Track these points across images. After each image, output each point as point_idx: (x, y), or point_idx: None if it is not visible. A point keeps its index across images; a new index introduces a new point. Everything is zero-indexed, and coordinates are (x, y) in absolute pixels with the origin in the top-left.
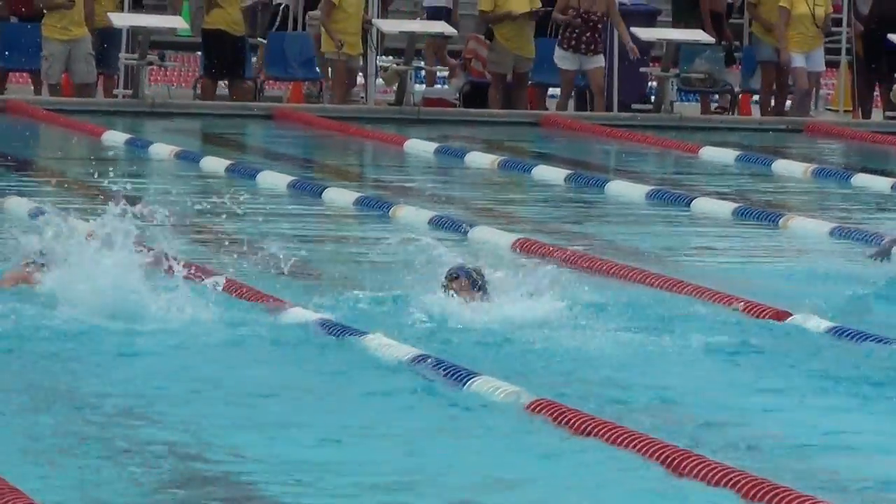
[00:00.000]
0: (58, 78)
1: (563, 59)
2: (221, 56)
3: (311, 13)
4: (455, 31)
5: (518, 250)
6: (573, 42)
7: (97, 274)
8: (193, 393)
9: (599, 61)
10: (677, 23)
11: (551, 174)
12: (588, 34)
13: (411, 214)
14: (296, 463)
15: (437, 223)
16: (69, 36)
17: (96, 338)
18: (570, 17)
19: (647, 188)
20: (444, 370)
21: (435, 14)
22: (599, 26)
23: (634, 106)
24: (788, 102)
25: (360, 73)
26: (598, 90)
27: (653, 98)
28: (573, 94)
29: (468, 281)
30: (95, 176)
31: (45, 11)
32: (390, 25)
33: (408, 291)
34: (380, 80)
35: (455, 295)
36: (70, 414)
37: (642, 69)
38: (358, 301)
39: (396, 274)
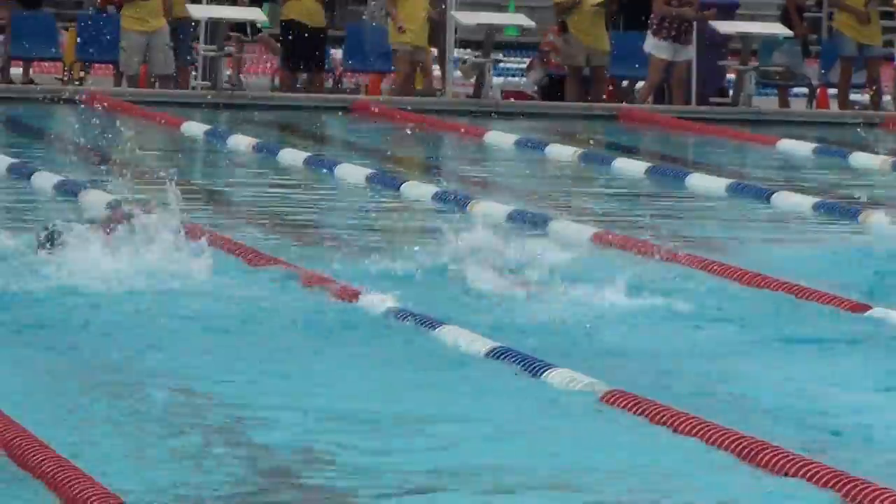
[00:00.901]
0: (136, 69)
1: (658, 48)
2: (298, 47)
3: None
4: (533, 23)
5: (597, 243)
6: (672, 32)
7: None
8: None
9: (690, 53)
10: None
11: (631, 167)
12: (685, 23)
13: (490, 209)
14: (374, 453)
15: (516, 217)
16: (147, 27)
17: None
18: (675, 9)
19: (727, 181)
20: (522, 361)
21: None
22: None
23: (712, 99)
24: (887, 97)
25: (437, 66)
26: (681, 83)
27: (731, 91)
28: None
29: None
30: (175, 168)
31: (123, 2)
32: (468, 17)
33: (484, 284)
34: (458, 73)
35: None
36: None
37: (721, 62)
38: (434, 292)
39: (472, 266)
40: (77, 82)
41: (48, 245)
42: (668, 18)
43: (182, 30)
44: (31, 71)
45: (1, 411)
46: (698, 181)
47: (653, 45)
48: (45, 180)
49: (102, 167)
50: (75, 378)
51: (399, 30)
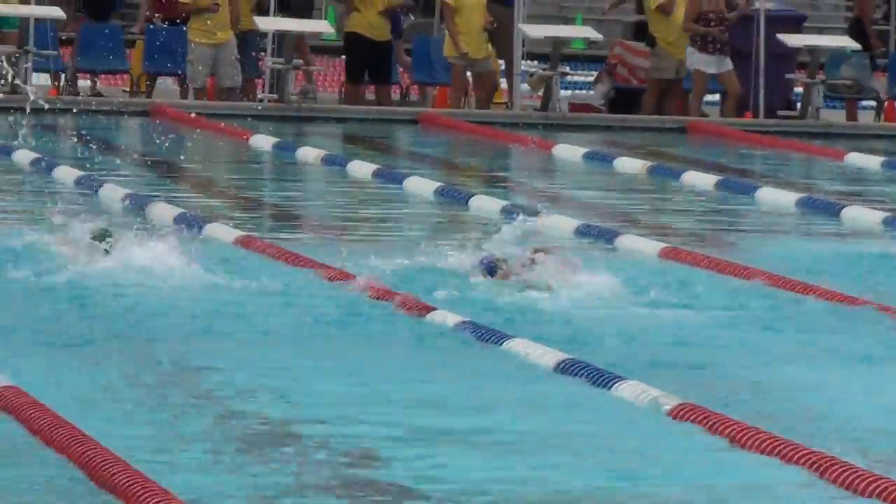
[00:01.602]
0: (203, 82)
1: (705, 62)
2: (362, 60)
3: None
4: (600, 35)
5: (665, 258)
6: (718, 45)
7: None
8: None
9: (730, 63)
10: None
11: (700, 180)
12: (725, 35)
13: (558, 222)
14: (446, 468)
15: (583, 232)
16: (215, 40)
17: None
18: (717, 31)
19: (797, 195)
20: (591, 374)
21: None
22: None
23: (780, 112)
24: None
25: (504, 79)
26: (736, 91)
27: (798, 104)
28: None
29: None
30: (245, 180)
31: (189, 15)
32: (536, 30)
33: (552, 298)
34: (525, 86)
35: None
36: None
37: (788, 76)
38: (502, 305)
39: (540, 280)
40: (144, 94)
41: (100, 243)
42: (709, 33)
43: (249, 42)
44: (97, 83)
45: (79, 429)
46: (767, 195)
47: (701, 60)
48: (112, 193)
49: (170, 180)
50: (149, 387)
51: (462, 56)
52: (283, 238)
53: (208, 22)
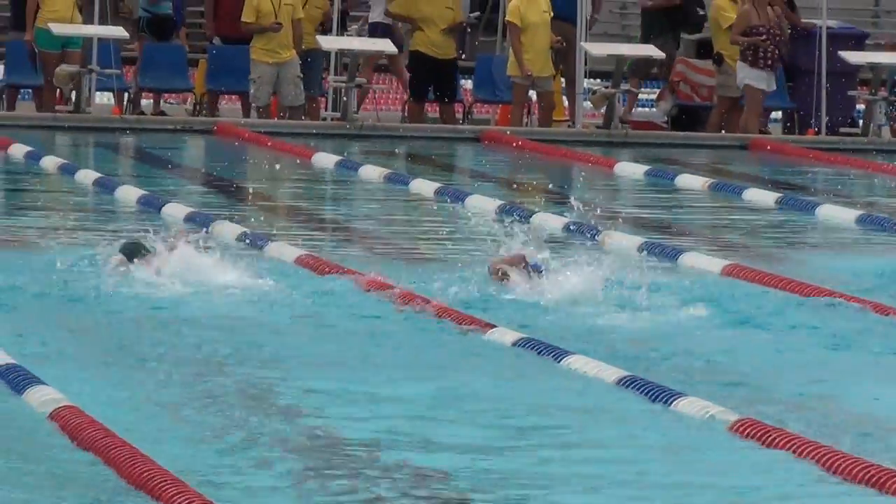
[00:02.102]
0: (266, 101)
1: (759, 78)
2: (426, 79)
3: None
4: (662, 54)
5: (727, 275)
6: (769, 61)
7: None
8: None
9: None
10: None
11: (762, 197)
12: (777, 50)
13: (621, 240)
14: (509, 475)
15: (647, 249)
16: (277, 58)
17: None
18: (760, 40)
19: (857, 213)
20: (651, 390)
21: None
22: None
23: (842, 130)
24: None
25: (565, 96)
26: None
27: (860, 122)
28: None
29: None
30: (308, 198)
31: (253, 34)
32: (598, 48)
33: (614, 314)
34: (587, 104)
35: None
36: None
37: (850, 93)
38: (560, 322)
39: (602, 297)
40: (206, 113)
41: (132, 258)
42: (760, 48)
43: (313, 61)
44: (161, 102)
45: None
46: (829, 212)
47: (755, 76)
48: (174, 211)
49: (233, 198)
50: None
51: (526, 77)
52: (346, 256)
53: (271, 41)
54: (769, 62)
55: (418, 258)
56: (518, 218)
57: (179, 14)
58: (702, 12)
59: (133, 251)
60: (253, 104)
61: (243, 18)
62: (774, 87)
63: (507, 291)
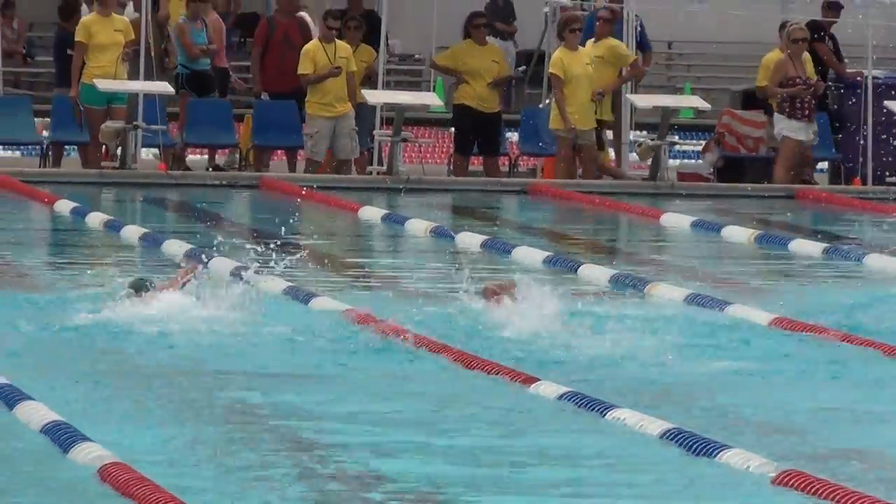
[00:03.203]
0: (324, 155)
1: (795, 129)
2: (470, 132)
3: None
4: (708, 105)
5: (776, 328)
6: (807, 111)
7: None
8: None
9: (815, 127)
10: None
11: (808, 248)
12: (813, 101)
13: (667, 292)
14: None
15: (693, 301)
16: (334, 112)
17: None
18: (801, 89)
19: None
20: (695, 443)
21: None
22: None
23: (889, 179)
24: None
25: (612, 148)
26: (810, 157)
27: None
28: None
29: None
30: (354, 253)
31: (307, 88)
32: (644, 100)
33: (658, 367)
34: (633, 155)
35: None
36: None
37: None
38: (608, 376)
39: (646, 350)
40: (253, 168)
41: (137, 294)
42: (798, 99)
43: (361, 115)
44: (216, 157)
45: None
46: (876, 262)
47: (794, 128)
48: (220, 266)
49: (279, 253)
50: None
51: (569, 130)
52: (390, 308)
53: (327, 95)
54: (807, 112)
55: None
56: (565, 269)
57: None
58: None
59: (139, 286)
60: (310, 158)
61: (301, 71)
62: (811, 138)
63: (555, 346)
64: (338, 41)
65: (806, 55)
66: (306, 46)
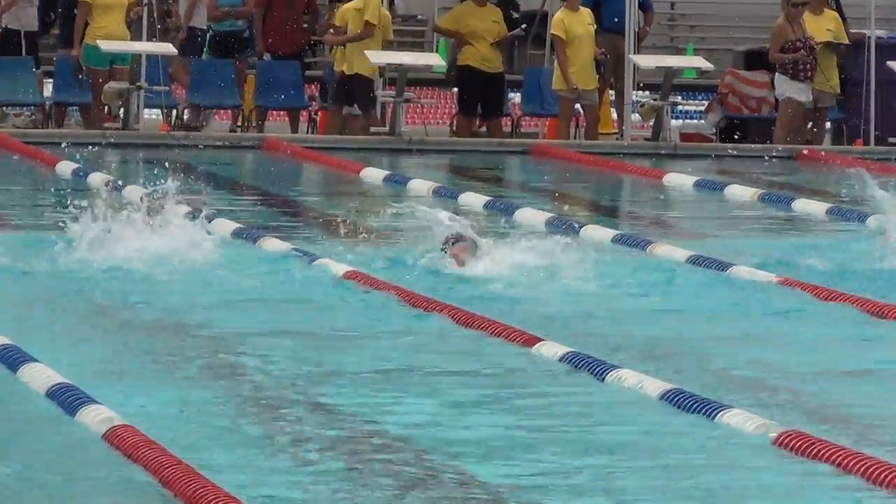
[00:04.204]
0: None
1: (797, 90)
2: (474, 93)
3: None
4: (711, 65)
5: (780, 286)
6: (809, 73)
7: None
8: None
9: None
10: None
11: (812, 208)
12: (813, 61)
13: (669, 252)
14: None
15: (695, 261)
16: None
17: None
18: (802, 55)
19: None
20: (696, 404)
21: None
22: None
23: (891, 140)
24: None
25: (614, 109)
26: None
27: None
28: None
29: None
30: (355, 212)
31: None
32: (647, 60)
33: (657, 327)
34: (636, 115)
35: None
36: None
37: None
38: (607, 336)
39: (647, 310)
40: (255, 129)
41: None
42: (799, 60)
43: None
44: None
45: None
46: (877, 222)
47: (796, 89)
48: (223, 228)
49: (281, 214)
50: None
51: (572, 90)
52: (395, 273)
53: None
54: (808, 74)
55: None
56: (566, 231)
57: (251, 32)
58: None
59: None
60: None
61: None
62: (811, 98)
63: (557, 306)
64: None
65: (834, 14)
66: (340, 9)
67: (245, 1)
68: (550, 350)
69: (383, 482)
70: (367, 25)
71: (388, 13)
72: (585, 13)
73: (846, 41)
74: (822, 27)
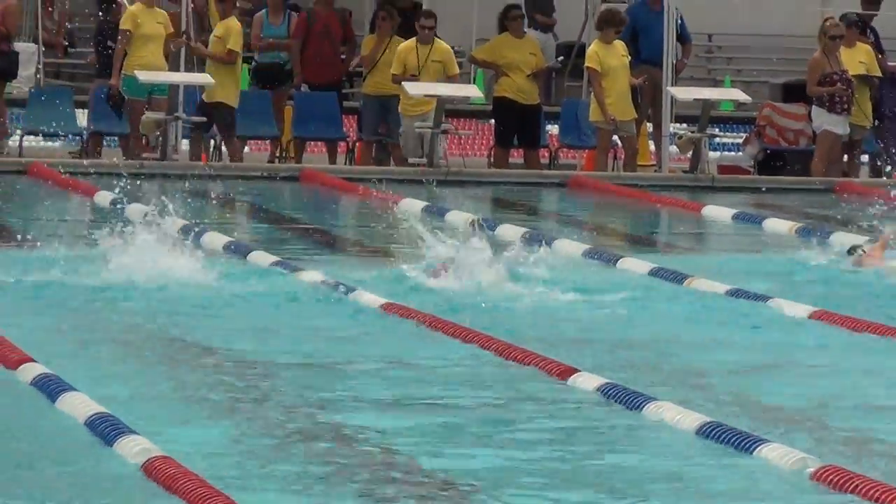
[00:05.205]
0: (415, 152)
1: (834, 122)
2: (511, 124)
3: None
4: (748, 97)
5: (815, 321)
6: (846, 106)
7: None
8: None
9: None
10: None
11: (850, 241)
12: (850, 93)
13: (707, 285)
14: None
15: (733, 294)
16: (416, 112)
17: None
18: (840, 88)
19: None
20: (734, 437)
21: None
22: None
23: None
24: None
25: (651, 141)
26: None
27: None
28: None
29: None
30: (393, 245)
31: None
32: (684, 93)
33: (696, 361)
34: (673, 148)
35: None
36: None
37: None
38: (647, 369)
39: (685, 343)
40: (293, 160)
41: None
42: (836, 93)
43: (389, 106)
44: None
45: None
46: None
47: (833, 121)
48: (260, 259)
49: (318, 245)
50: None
51: (609, 122)
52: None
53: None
54: (845, 107)
55: (506, 303)
56: (604, 262)
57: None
58: None
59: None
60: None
61: (392, 71)
62: (848, 131)
63: (592, 338)
64: (437, 41)
65: (867, 48)
66: (400, 47)
67: (291, 34)
68: (583, 380)
69: None
70: (230, 53)
71: (449, 48)
72: (619, 45)
73: (878, 73)
74: (854, 59)
